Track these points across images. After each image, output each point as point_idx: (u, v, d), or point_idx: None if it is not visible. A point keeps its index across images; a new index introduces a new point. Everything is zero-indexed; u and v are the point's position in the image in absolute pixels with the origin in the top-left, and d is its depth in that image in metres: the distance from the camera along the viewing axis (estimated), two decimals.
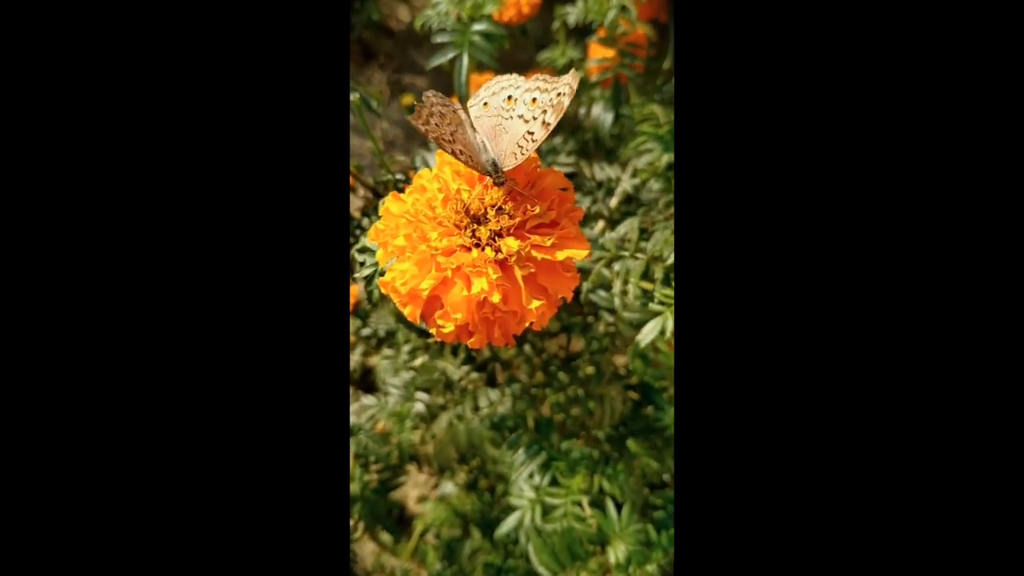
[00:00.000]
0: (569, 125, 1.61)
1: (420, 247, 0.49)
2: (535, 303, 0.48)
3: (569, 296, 0.51)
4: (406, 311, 0.50)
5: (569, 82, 0.52)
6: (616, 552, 1.00)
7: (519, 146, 0.53)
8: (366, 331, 1.97)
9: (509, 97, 0.55)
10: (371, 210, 1.05)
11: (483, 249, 0.49)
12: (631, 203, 1.46)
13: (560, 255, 0.49)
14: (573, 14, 1.40)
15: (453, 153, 0.53)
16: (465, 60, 1.05)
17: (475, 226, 0.50)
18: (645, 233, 1.12)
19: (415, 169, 1.09)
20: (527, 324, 0.49)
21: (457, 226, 0.50)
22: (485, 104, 0.57)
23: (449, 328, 0.49)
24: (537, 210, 0.50)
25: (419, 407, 1.50)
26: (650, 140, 1.23)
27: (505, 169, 0.53)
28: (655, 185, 1.30)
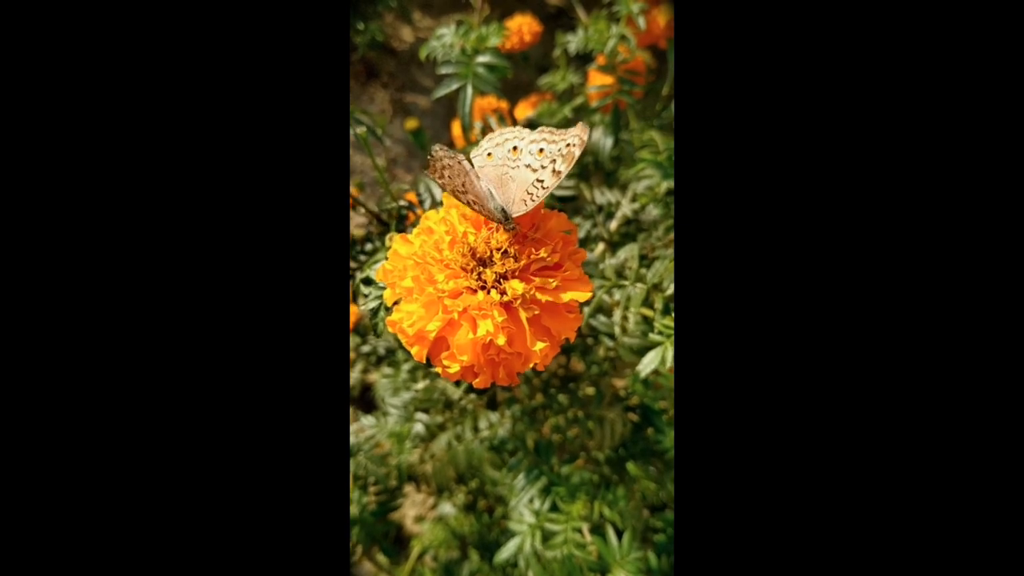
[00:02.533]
0: None
1: (427, 289, 0.51)
2: (539, 345, 0.49)
3: (572, 337, 0.52)
4: (413, 351, 0.51)
5: (578, 133, 0.54)
6: None
7: (528, 193, 0.54)
8: (366, 348, 1.97)
9: (514, 148, 0.57)
10: (375, 236, 1.07)
11: (488, 292, 0.50)
12: (631, 225, 1.47)
13: (564, 297, 0.51)
14: (574, 42, 1.42)
15: (469, 204, 0.54)
16: (469, 91, 1.08)
17: (481, 269, 0.51)
18: (645, 259, 1.14)
19: (418, 194, 1.11)
20: (531, 365, 0.51)
21: (464, 269, 0.52)
22: (489, 155, 0.58)
23: (455, 368, 0.50)
24: (542, 253, 0.52)
25: (419, 428, 1.51)
26: (649, 166, 1.25)
27: (515, 215, 0.54)
28: (654, 211, 1.32)
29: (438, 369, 0.51)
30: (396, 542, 2.06)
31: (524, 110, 1.89)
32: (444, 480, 1.73)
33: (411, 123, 1.46)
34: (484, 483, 1.62)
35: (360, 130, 0.85)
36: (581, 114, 1.62)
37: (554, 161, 0.54)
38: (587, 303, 0.97)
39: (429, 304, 0.50)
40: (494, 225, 0.54)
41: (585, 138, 0.53)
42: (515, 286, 0.50)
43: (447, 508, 1.74)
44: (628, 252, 1.16)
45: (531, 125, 1.33)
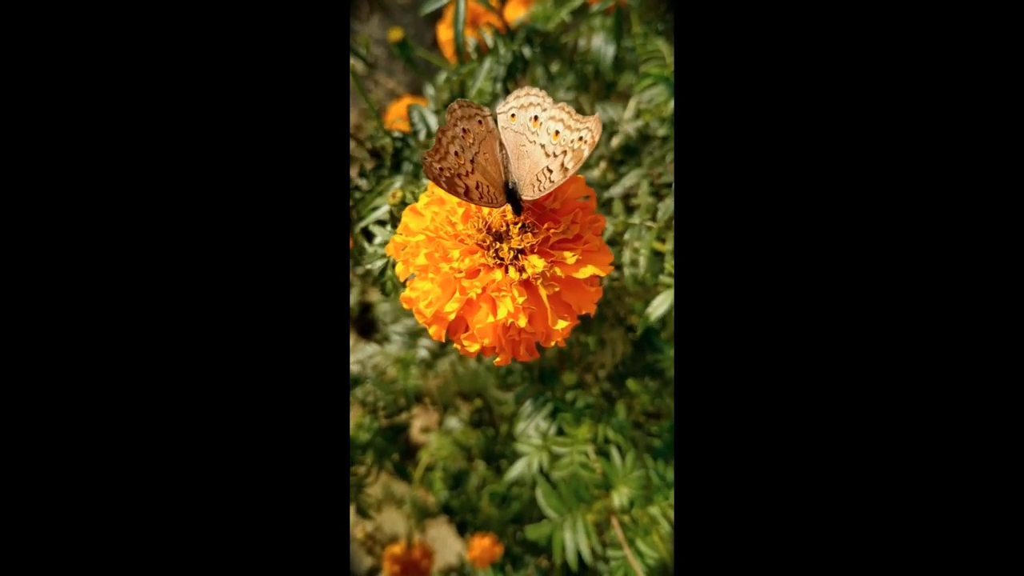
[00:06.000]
0: (568, 56, 1.53)
1: (443, 267, 0.48)
2: (561, 324, 0.48)
3: (592, 311, 0.50)
4: (431, 330, 0.50)
5: (590, 127, 0.50)
6: (620, 496, 1.06)
7: (538, 180, 0.51)
8: (361, 269, 1.96)
9: (535, 118, 0.52)
10: (369, 172, 1.02)
11: (506, 270, 0.48)
12: (633, 138, 1.41)
13: (583, 272, 0.48)
14: None
15: (467, 193, 0.50)
16: (462, 5, 0.98)
17: (497, 244, 0.49)
18: (653, 187, 1.10)
19: (412, 124, 1.04)
20: (552, 343, 0.50)
21: (479, 245, 0.49)
22: (512, 115, 0.53)
23: (475, 348, 0.49)
24: (560, 228, 0.49)
25: (423, 353, 1.53)
26: (656, 82, 1.17)
27: (524, 198, 0.51)
28: (660, 130, 1.25)
29: (457, 347, 0.50)
30: (404, 452, 2.17)
31: (516, 9, 1.74)
32: (448, 397, 1.78)
33: (395, 34, 1.34)
34: (488, 402, 1.67)
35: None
36: (579, 17, 1.50)
37: (565, 154, 0.50)
38: None
39: (445, 283, 0.48)
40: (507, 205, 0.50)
41: (597, 136, 0.49)
42: (535, 263, 0.48)
43: (453, 423, 1.81)
44: (634, 179, 1.12)
45: (529, 38, 1.23)
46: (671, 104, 1.17)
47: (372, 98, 0.97)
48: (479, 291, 0.47)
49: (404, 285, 0.52)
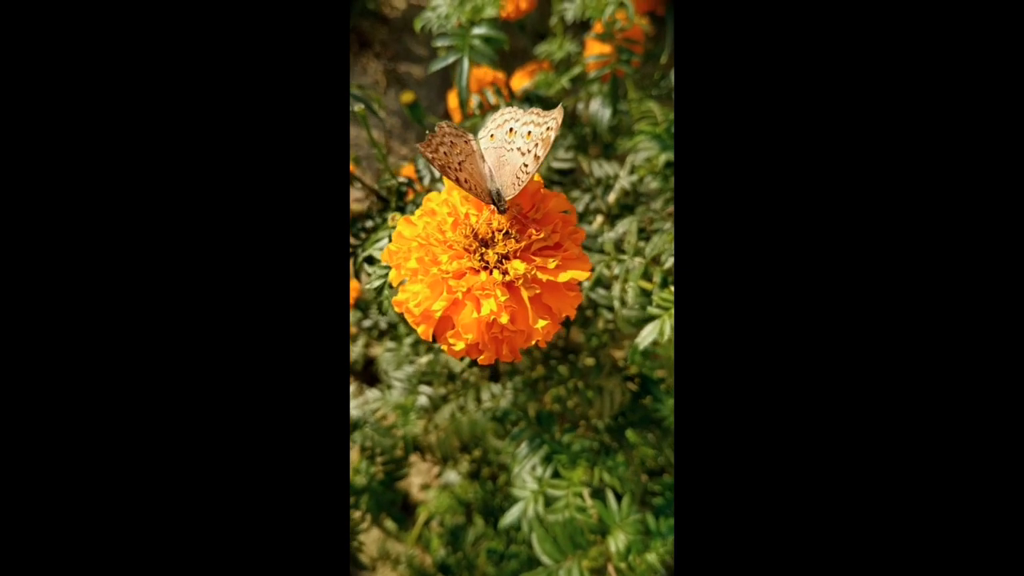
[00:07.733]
0: (568, 120, 1.62)
1: (432, 270, 0.52)
2: (541, 323, 0.51)
3: (572, 314, 0.53)
4: (419, 330, 0.53)
5: (555, 116, 0.56)
6: (616, 542, 1.04)
7: (517, 177, 0.56)
8: (367, 323, 1.99)
9: (511, 130, 0.58)
10: (376, 213, 1.08)
11: (491, 272, 0.52)
12: (629, 196, 1.48)
13: (563, 276, 0.52)
14: (571, 9, 1.40)
15: (458, 181, 0.56)
16: (466, 64, 1.07)
17: (483, 249, 0.53)
18: (644, 232, 1.15)
19: (417, 170, 1.11)
20: (533, 341, 0.52)
21: (466, 250, 0.53)
22: (492, 136, 0.60)
23: (460, 346, 0.52)
24: (541, 235, 0.53)
25: (422, 400, 1.54)
26: (648, 139, 1.25)
27: (507, 198, 0.56)
28: (653, 183, 1.32)
29: (444, 347, 0.53)
30: (403, 509, 2.12)
31: (521, 79, 1.87)
32: (448, 450, 1.76)
33: (407, 97, 1.44)
34: (487, 452, 1.66)
35: (358, 108, 0.85)
36: (579, 84, 1.61)
37: (536, 145, 0.56)
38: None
39: (434, 284, 0.52)
40: (493, 208, 0.55)
41: (560, 121, 0.55)
42: (516, 266, 0.52)
43: (452, 476, 1.79)
44: (627, 225, 1.17)
45: (529, 99, 1.32)
46: (662, 158, 1.24)
47: (388, 160, 1.04)
48: (465, 290, 0.51)
49: (397, 291, 0.56)
